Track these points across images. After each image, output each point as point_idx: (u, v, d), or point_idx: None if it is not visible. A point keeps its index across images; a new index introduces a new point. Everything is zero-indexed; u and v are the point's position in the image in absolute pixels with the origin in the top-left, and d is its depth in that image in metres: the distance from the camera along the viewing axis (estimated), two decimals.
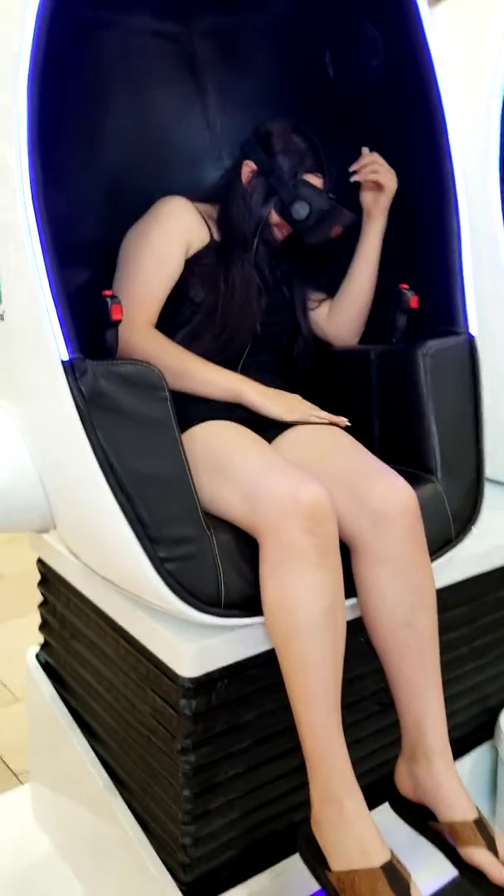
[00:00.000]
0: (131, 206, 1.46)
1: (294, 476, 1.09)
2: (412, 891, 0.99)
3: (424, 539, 1.18)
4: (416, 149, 1.40)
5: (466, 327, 1.39)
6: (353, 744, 1.32)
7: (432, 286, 1.41)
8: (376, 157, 1.44)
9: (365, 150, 1.45)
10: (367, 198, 1.47)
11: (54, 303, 1.01)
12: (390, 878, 0.98)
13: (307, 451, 1.29)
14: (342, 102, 1.52)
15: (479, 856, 1.08)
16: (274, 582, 1.06)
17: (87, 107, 1.53)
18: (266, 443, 1.25)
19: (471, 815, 1.11)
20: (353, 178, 1.45)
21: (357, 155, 1.47)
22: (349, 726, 1.31)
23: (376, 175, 1.44)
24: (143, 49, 1.57)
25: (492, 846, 1.09)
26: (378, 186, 1.45)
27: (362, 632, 1.22)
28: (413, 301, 1.40)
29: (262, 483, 1.08)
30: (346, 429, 1.37)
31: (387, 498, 1.15)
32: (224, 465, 1.14)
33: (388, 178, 1.44)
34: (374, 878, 0.98)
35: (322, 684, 1.04)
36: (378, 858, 1.00)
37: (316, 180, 1.42)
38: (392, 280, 1.45)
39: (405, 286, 1.41)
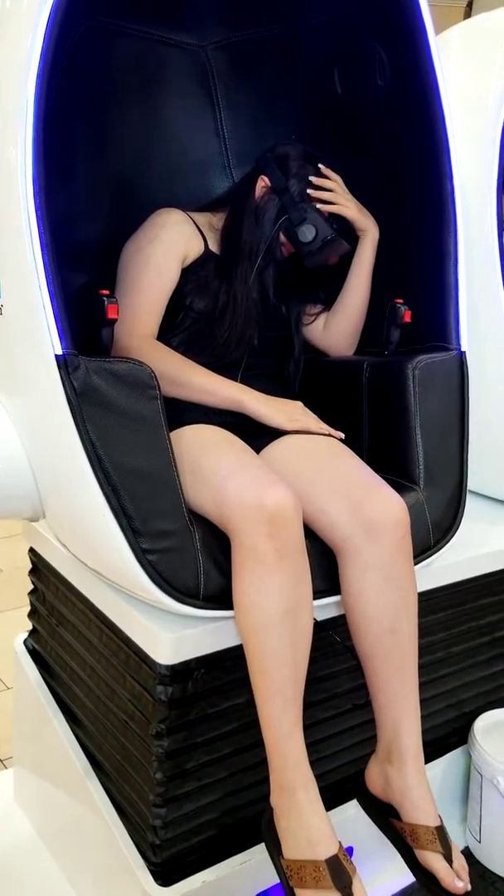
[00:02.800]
0: (137, 211, 1.51)
1: (261, 479, 1.13)
2: (354, 886, 1.03)
3: (412, 551, 1.23)
4: (417, 168, 1.43)
5: (458, 343, 1.43)
6: (326, 738, 1.38)
7: (427, 302, 1.45)
8: (334, 186, 1.48)
9: (327, 175, 1.49)
10: (353, 211, 1.50)
11: (50, 298, 1.05)
12: (333, 872, 1.03)
13: (303, 458, 1.32)
14: (348, 119, 1.56)
15: (434, 861, 1.13)
16: (238, 580, 1.10)
17: (100, 111, 1.58)
18: (244, 446, 1.29)
19: (433, 822, 1.16)
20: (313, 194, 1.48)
21: (358, 173, 1.51)
22: (323, 721, 1.37)
23: (334, 208, 1.47)
24: (157, 58, 1.62)
25: (448, 856, 1.13)
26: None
27: (338, 629, 1.26)
28: (406, 316, 1.44)
29: (228, 485, 1.12)
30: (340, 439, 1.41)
31: (381, 509, 1.20)
32: (201, 465, 1.19)
33: (349, 213, 1.49)
34: (318, 870, 1.03)
35: (279, 681, 1.09)
36: (324, 851, 1.04)
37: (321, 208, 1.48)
38: (387, 295, 1.49)
39: (400, 301, 1.45)
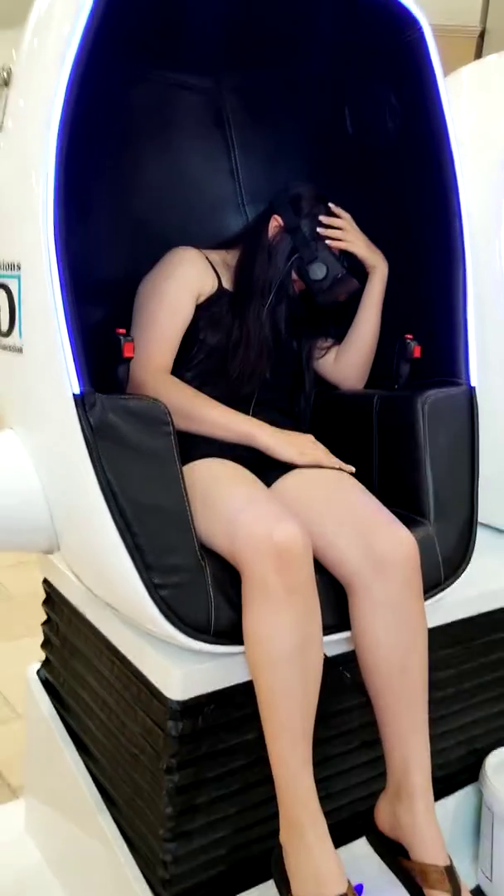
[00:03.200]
0: (154, 248, 1.54)
1: (271, 514, 1.14)
2: None
3: (422, 587, 1.24)
4: (427, 207, 1.46)
5: (467, 378, 1.44)
6: (336, 775, 1.38)
7: (436, 337, 1.47)
8: (343, 223, 1.51)
9: (337, 214, 1.52)
10: (361, 248, 1.52)
11: (69, 338, 1.08)
12: None
13: (313, 492, 1.34)
14: (359, 158, 1.59)
15: None
16: (248, 615, 1.11)
17: (118, 151, 1.62)
18: (256, 480, 1.31)
19: (442, 861, 1.16)
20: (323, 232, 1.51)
21: (368, 211, 1.54)
22: (333, 757, 1.37)
23: (342, 245, 1.50)
24: (174, 101, 1.66)
25: (457, 895, 1.13)
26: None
27: (349, 665, 1.27)
28: (416, 351, 1.46)
29: (239, 520, 1.14)
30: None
31: (390, 545, 1.21)
32: (213, 500, 1.20)
33: (358, 250, 1.51)
34: None
35: (287, 717, 1.09)
36: (332, 891, 1.05)
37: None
38: (398, 330, 1.51)
39: (409, 336, 1.47)
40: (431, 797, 1.20)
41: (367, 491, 1.35)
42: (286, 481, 1.38)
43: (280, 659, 1.09)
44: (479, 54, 4.62)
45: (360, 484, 1.37)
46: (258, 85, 1.67)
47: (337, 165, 1.64)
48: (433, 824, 1.18)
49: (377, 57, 1.45)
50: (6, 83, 1.22)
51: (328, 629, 1.21)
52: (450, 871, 1.15)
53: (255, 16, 1.45)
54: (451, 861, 1.16)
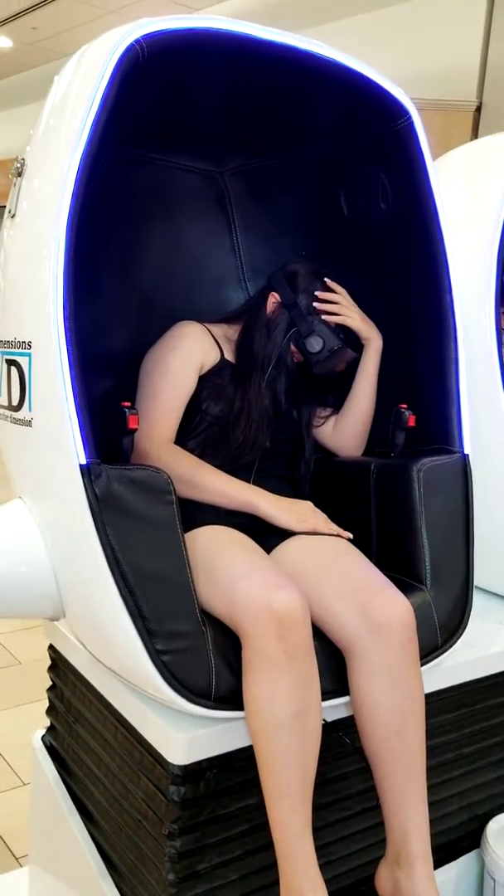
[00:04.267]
0: (159, 322, 1.61)
1: (269, 582, 1.17)
2: None
3: (418, 651, 1.26)
4: (418, 282, 1.53)
5: (461, 446, 1.49)
6: (337, 841, 1.38)
7: (431, 407, 1.52)
8: (339, 298, 1.58)
9: (333, 289, 1.60)
10: (357, 321, 1.58)
11: (77, 413, 1.13)
12: None
13: (312, 559, 1.37)
14: (354, 237, 1.66)
15: None
16: (248, 681, 1.14)
17: (125, 229, 1.70)
18: (256, 548, 1.35)
19: None
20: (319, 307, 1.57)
21: (364, 286, 1.61)
22: (333, 823, 1.37)
23: (339, 319, 1.57)
24: (178, 182, 1.74)
25: None
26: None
27: (348, 731, 1.29)
28: (411, 420, 1.51)
29: (239, 587, 1.18)
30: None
31: (387, 611, 1.23)
32: (214, 567, 1.24)
33: (357, 325, 1.58)
34: None
35: (286, 783, 1.11)
36: None
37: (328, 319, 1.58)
38: (393, 399, 1.56)
39: (404, 406, 1.52)
40: (431, 864, 1.21)
41: (364, 557, 1.38)
42: (286, 549, 1.42)
43: (280, 725, 1.11)
44: (475, 127, 4.83)
45: (357, 550, 1.41)
46: (258, 168, 1.75)
47: (333, 244, 1.72)
48: (432, 890, 1.18)
49: (369, 144, 1.53)
50: (20, 174, 1.30)
51: (328, 694, 1.23)
52: None
53: (254, 107, 1.54)
54: None
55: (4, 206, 1.31)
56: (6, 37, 7.87)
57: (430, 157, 1.49)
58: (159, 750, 1.20)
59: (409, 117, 1.45)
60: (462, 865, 1.56)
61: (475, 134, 4.79)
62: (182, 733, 1.16)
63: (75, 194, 1.18)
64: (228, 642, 1.19)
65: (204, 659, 1.17)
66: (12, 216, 1.30)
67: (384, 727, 1.22)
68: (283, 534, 1.44)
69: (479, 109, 4.90)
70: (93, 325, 1.55)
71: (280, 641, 1.12)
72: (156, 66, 1.25)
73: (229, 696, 1.17)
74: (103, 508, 1.14)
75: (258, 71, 1.39)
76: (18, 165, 1.31)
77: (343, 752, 1.34)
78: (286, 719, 1.12)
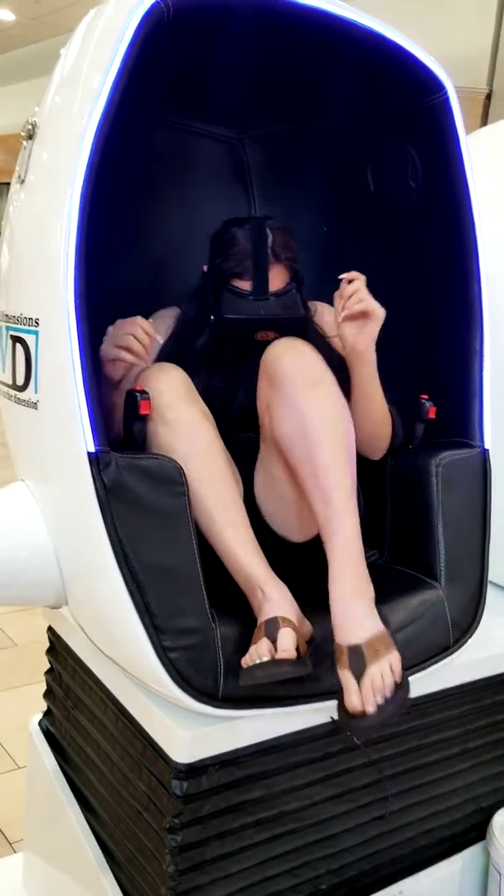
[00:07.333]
0: (171, 293, 1.55)
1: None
2: (280, 633, 1.11)
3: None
4: (445, 268, 1.46)
5: (481, 440, 1.44)
6: (344, 832, 1.36)
7: (452, 398, 1.47)
8: (359, 284, 1.34)
9: (343, 280, 1.35)
10: (349, 330, 1.36)
11: (86, 399, 1.08)
12: (267, 627, 1.13)
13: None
14: (378, 216, 1.59)
15: (342, 677, 1.12)
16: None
17: (138, 196, 1.63)
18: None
19: (345, 641, 1.13)
20: (341, 318, 1.35)
21: (386, 267, 1.54)
22: (341, 815, 1.35)
23: (363, 304, 1.32)
24: (195, 149, 1.67)
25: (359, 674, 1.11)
26: (364, 315, 1.34)
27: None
28: (431, 412, 1.45)
29: None
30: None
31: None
32: None
33: (375, 305, 1.33)
34: (259, 630, 1.14)
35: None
36: (272, 614, 1.15)
37: (244, 283, 1.42)
38: (412, 388, 1.50)
39: (425, 397, 1.46)
40: (352, 575, 1.18)
41: None
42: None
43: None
44: (485, 114, 4.85)
45: None
46: (281, 137, 1.68)
47: (357, 221, 1.65)
48: (343, 601, 1.16)
49: (402, 118, 1.46)
50: (31, 136, 1.23)
51: (334, 694, 1.19)
52: (354, 650, 1.12)
53: (281, 71, 1.46)
54: (362, 641, 1.13)
55: (6, 184, 1.25)
56: (8, 10, 7.65)
57: (465, 137, 1.42)
58: (162, 746, 1.17)
59: (445, 93, 1.37)
60: (467, 858, 1.54)
61: (485, 121, 4.75)
62: (186, 731, 1.13)
63: (90, 164, 1.12)
64: (238, 638, 1.16)
65: (212, 657, 1.13)
66: (21, 181, 1.24)
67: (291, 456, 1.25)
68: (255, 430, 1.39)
69: (489, 97, 4.89)
70: (103, 299, 1.48)
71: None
72: (180, 25, 1.17)
73: (237, 696, 1.14)
74: (111, 499, 1.09)
75: (287, 33, 1.31)
76: (30, 127, 1.24)
77: (348, 748, 1.32)
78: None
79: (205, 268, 1.49)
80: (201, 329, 1.48)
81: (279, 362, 1.27)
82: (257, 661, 1.09)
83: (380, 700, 1.10)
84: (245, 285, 1.42)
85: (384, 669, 1.12)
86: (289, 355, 1.27)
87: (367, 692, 1.10)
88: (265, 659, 1.09)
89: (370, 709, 1.09)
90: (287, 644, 1.11)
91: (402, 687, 1.13)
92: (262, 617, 1.16)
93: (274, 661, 1.09)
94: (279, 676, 1.09)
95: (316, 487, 1.22)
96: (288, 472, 1.31)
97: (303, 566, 1.29)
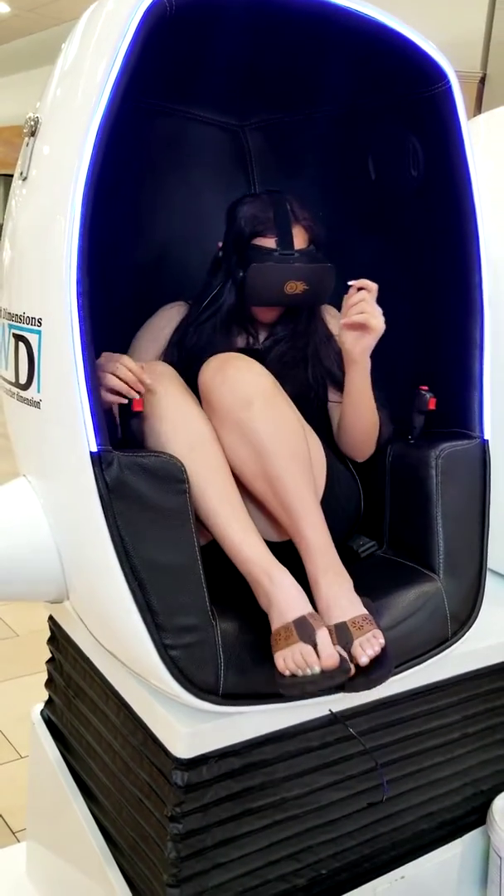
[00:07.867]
0: (171, 283, 1.55)
1: None
2: (318, 635, 1.12)
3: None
4: (446, 257, 1.45)
5: (481, 432, 1.44)
6: (342, 818, 1.38)
7: (452, 389, 1.46)
8: (364, 295, 1.35)
9: (353, 287, 1.36)
10: (348, 337, 1.37)
11: (89, 398, 1.08)
12: (299, 628, 1.13)
13: None
14: (379, 204, 1.58)
15: (318, 636, 1.14)
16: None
17: (139, 184, 1.62)
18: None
19: (332, 621, 1.19)
20: (342, 324, 1.37)
21: (388, 258, 1.53)
22: (338, 801, 1.37)
23: (363, 317, 1.33)
24: (197, 136, 1.66)
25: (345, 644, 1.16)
26: (363, 326, 1.35)
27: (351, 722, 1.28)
28: (431, 403, 1.45)
29: None
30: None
31: None
32: None
33: (377, 321, 1.34)
34: (289, 630, 1.14)
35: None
36: (293, 615, 1.15)
37: (268, 241, 1.42)
38: (412, 379, 1.50)
39: (425, 388, 1.46)
40: (325, 555, 1.23)
41: None
42: None
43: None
44: (479, 98, 4.80)
45: None
46: (282, 124, 1.66)
47: (357, 210, 1.63)
48: (324, 583, 1.21)
49: (403, 106, 1.44)
50: (33, 133, 1.21)
51: (333, 689, 1.21)
52: (340, 626, 1.17)
53: (281, 59, 1.44)
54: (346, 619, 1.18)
55: (5, 175, 1.24)
56: (5, 2, 7.50)
57: (467, 127, 1.40)
58: (163, 741, 1.18)
59: (448, 82, 1.35)
60: (468, 842, 1.56)
61: (479, 104, 4.70)
62: (187, 727, 1.15)
63: (93, 161, 1.11)
64: (238, 635, 1.17)
65: (212, 655, 1.14)
66: (24, 178, 1.22)
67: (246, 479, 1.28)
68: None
69: (483, 80, 4.82)
70: (108, 279, 1.47)
71: None
72: (182, 17, 1.16)
73: (237, 692, 1.15)
74: (113, 498, 1.10)
75: (288, 22, 1.29)
76: (32, 123, 1.22)
77: (346, 737, 1.34)
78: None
79: (220, 244, 1.49)
80: (220, 295, 1.48)
81: (211, 393, 1.28)
82: (308, 674, 1.10)
83: (370, 653, 1.15)
84: (269, 242, 1.43)
85: (370, 638, 1.17)
86: (217, 380, 1.28)
87: (357, 650, 1.15)
88: (316, 670, 1.10)
89: (363, 659, 1.14)
90: (331, 649, 1.12)
91: (387, 655, 1.17)
92: (275, 607, 1.16)
93: (325, 674, 1.10)
94: (330, 685, 1.12)
95: (275, 499, 1.26)
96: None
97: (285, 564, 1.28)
